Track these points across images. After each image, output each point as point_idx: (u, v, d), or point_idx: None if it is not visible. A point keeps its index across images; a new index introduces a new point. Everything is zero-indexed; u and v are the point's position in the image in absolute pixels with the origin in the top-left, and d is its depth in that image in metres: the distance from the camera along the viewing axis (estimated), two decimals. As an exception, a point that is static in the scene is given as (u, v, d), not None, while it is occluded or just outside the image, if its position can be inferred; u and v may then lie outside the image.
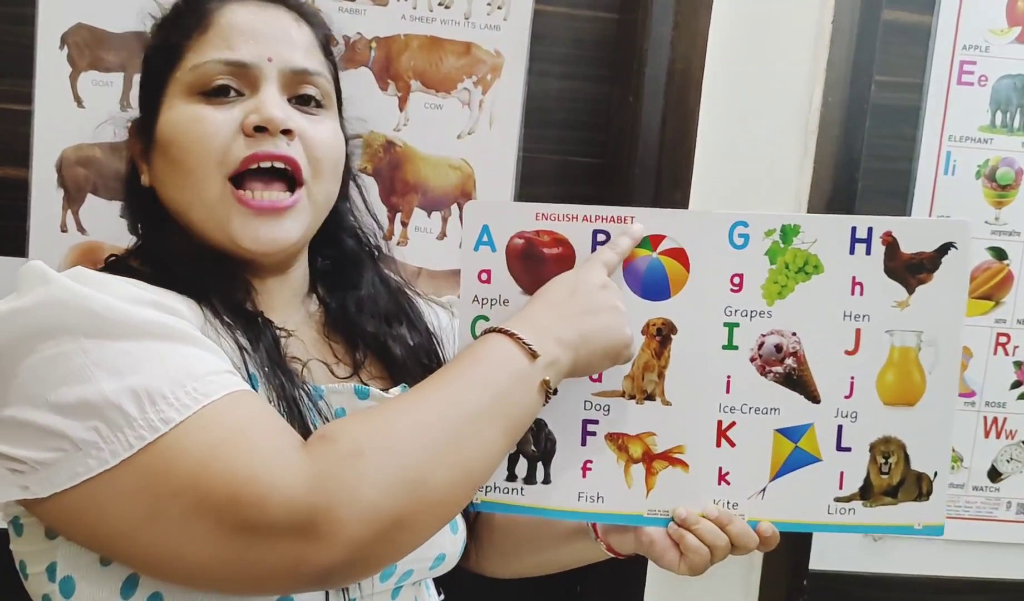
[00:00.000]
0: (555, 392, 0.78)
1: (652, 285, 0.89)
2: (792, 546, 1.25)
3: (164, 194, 0.83)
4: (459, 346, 0.88)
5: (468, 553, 0.95)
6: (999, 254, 1.27)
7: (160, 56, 0.83)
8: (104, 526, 0.67)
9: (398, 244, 1.21)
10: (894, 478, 0.91)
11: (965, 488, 1.31)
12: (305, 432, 0.74)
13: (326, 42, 0.88)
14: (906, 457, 0.91)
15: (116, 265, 0.82)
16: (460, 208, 1.21)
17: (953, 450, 1.30)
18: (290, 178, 0.81)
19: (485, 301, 0.88)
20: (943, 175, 1.25)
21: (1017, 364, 1.29)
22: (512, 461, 0.90)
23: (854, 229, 0.88)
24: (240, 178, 0.79)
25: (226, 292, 0.80)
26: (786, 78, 1.21)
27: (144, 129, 0.84)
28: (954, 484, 1.31)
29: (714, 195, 1.21)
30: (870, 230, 0.88)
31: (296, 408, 0.76)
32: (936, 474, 0.91)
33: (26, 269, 0.71)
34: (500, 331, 0.77)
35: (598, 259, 0.85)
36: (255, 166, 0.79)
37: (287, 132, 0.80)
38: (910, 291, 0.89)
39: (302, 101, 0.83)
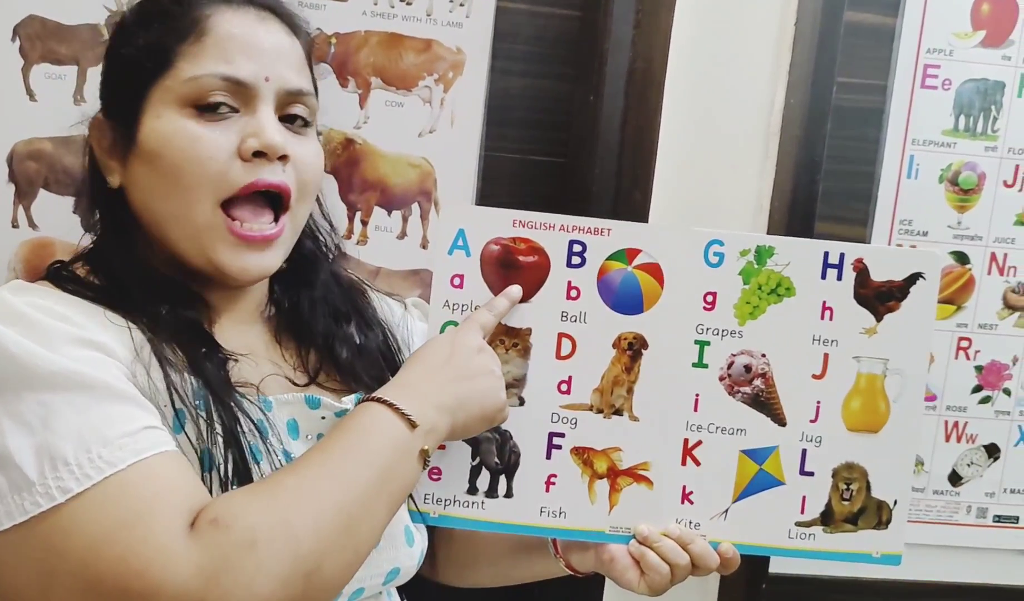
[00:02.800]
0: (430, 459, 0.78)
1: (625, 299, 0.88)
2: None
3: (140, 200, 0.80)
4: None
5: (425, 561, 0.94)
6: (961, 258, 1.27)
7: (146, 56, 0.78)
8: (4, 581, 0.67)
9: (357, 243, 1.19)
10: (855, 505, 0.91)
11: (926, 492, 1.30)
12: (244, 465, 0.74)
13: (310, 52, 0.87)
14: (868, 484, 0.91)
15: (60, 272, 0.80)
16: (420, 207, 1.20)
17: (915, 454, 1.30)
18: (278, 202, 0.80)
19: (456, 306, 0.88)
20: (906, 178, 1.25)
21: (978, 368, 1.29)
22: (474, 474, 0.89)
23: (827, 254, 0.89)
24: (229, 201, 0.78)
25: (179, 315, 0.78)
26: (748, 79, 1.21)
27: (120, 129, 0.80)
28: (915, 488, 1.30)
29: (675, 196, 1.20)
30: (842, 256, 0.89)
31: (233, 440, 0.75)
32: (896, 503, 0.91)
33: None
34: (380, 401, 0.77)
35: (474, 321, 0.85)
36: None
37: (282, 157, 0.79)
38: (878, 319, 0.89)
39: (289, 119, 0.82)
